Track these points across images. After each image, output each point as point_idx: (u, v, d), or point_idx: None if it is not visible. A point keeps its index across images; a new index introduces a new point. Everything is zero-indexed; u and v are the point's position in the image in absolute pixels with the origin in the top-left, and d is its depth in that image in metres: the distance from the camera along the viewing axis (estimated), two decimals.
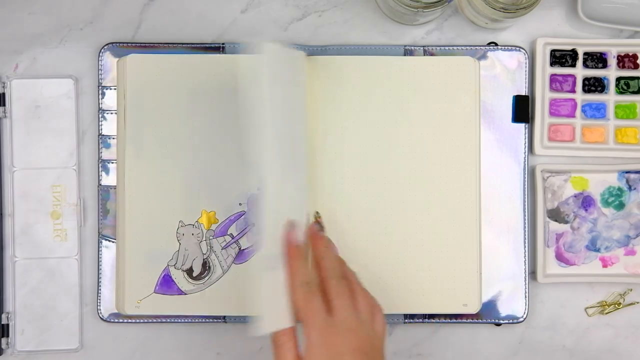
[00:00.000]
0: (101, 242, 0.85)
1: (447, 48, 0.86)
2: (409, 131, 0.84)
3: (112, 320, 0.85)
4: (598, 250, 0.86)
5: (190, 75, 0.84)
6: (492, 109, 0.86)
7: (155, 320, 0.85)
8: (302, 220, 0.77)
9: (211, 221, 0.84)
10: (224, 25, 0.87)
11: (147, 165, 0.83)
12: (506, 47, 0.86)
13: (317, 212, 0.81)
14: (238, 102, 0.80)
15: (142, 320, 0.85)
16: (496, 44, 0.86)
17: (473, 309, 0.84)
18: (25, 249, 0.85)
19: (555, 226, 0.86)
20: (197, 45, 0.85)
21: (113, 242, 0.85)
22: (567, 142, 0.86)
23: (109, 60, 0.85)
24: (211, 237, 0.84)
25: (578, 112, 0.86)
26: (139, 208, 0.83)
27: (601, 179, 0.87)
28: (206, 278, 0.84)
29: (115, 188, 0.85)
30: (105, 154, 0.85)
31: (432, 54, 0.86)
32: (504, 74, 0.86)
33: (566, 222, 0.87)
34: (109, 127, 0.85)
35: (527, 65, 0.86)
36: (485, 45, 0.86)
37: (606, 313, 0.87)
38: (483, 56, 0.86)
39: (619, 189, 0.87)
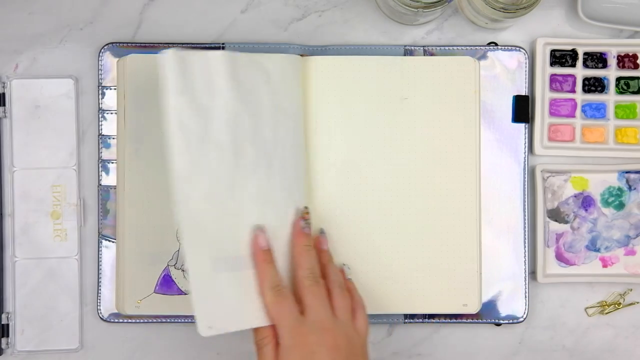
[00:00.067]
0: (101, 242, 0.85)
1: (447, 48, 0.86)
2: (409, 131, 0.84)
3: (112, 320, 0.85)
4: (598, 250, 0.86)
5: None
6: (492, 109, 0.86)
7: (155, 320, 0.85)
8: (285, 218, 0.78)
9: None
10: (224, 25, 0.87)
11: (147, 165, 0.83)
12: (506, 47, 0.86)
13: (306, 208, 0.80)
14: (249, 101, 0.80)
15: (142, 320, 0.85)
16: (496, 44, 0.86)
17: (473, 309, 0.84)
18: (25, 249, 0.85)
19: (555, 226, 0.86)
20: (197, 45, 0.85)
21: (113, 242, 0.85)
22: (567, 142, 0.86)
23: (109, 60, 0.85)
24: None
25: (578, 112, 0.86)
26: (139, 208, 0.83)
27: (601, 179, 0.87)
28: None
29: (115, 188, 0.85)
30: (105, 154, 0.85)
31: (432, 54, 0.86)
32: (504, 74, 0.86)
33: (566, 222, 0.87)
34: (109, 127, 0.85)
35: (527, 65, 0.86)
36: (485, 45, 0.86)
37: (606, 313, 0.87)
38: (483, 56, 0.86)
39: (619, 189, 0.87)
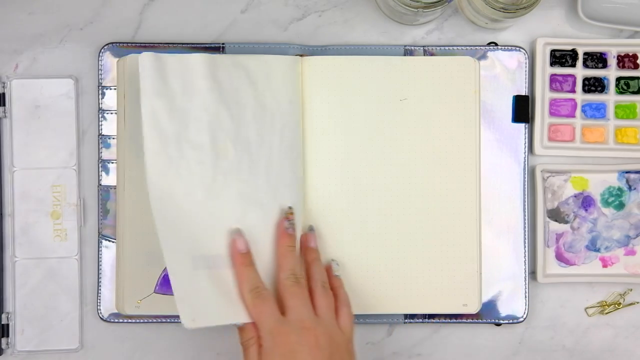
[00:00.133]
0: (101, 242, 0.85)
1: (447, 48, 0.86)
2: (409, 131, 0.84)
3: (112, 320, 0.85)
4: (598, 250, 0.86)
5: None
6: (492, 109, 0.86)
7: (155, 320, 0.85)
8: (269, 218, 0.79)
9: None
10: (224, 25, 0.87)
11: None
12: (506, 47, 0.86)
13: (290, 208, 0.80)
14: (231, 102, 0.81)
15: (142, 320, 0.85)
16: (496, 44, 0.86)
17: (473, 309, 0.84)
18: (25, 249, 0.85)
19: (555, 226, 0.86)
20: (197, 45, 0.85)
21: (113, 242, 0.85)
22: (567, 142, 0.86)
23: (109, 60, 0.85)
24: None
25: (578, 112, 0.86)
26: (139, 208, 0.83)
27: (601, 179, 0.87)
28: None
29: (115, 188, 0.85)
30: (105, 154, 0.85)
31: (432, 54, 0.86)
32: (504, 74, 0.86)
33: (566, 222, 0.87)
34: (109, 127, 0.85)
35: (527, 65, 0.86)
36: (485, 45, 0.86)
37: (606, 313, 0.87)
38: (483, 56, 0.86)
39: (619, 189, 0.87)
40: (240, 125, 0.80)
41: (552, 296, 0.87)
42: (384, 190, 0.84)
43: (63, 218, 0.85)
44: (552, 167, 0.86)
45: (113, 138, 0.85)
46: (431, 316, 0.85)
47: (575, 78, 0.86)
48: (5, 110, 0.85)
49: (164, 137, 0.77)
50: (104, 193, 0.85)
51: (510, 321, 0.85)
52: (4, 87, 0.85)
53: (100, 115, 0.86)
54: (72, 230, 0.86)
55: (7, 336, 0.85)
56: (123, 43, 0.86)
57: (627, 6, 0.86)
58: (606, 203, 0.87)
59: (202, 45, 0.85)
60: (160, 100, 0.77)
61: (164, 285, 0.83)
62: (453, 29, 0.87)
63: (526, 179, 0.86)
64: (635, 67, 0.87)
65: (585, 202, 0.87)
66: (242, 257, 0.76)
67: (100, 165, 0.85)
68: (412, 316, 0.85)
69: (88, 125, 0.86)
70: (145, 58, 0.77)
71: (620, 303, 0.87)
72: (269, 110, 0.81)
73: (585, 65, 0.87)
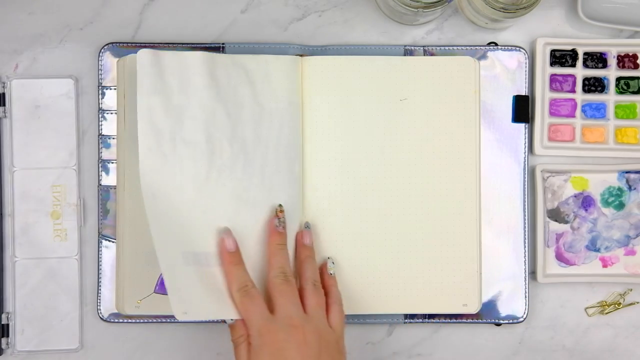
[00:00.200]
0: (101, 242, 0.85)
1: (447, 48, 0.86)
2: (409, 131, 0.84)
3: (112, 320, 0.85)
4: (598, 250, 0.86)
5: None
6: (492, 109, 0.86)
7: (155, 320, 0.85)
8: (261, 217, 0.80)
9: None
10: (224, 25, 0.87)
11: None
12: (506, 47, 0.86)
13: (280, 206, 0.81)
14: (228, 101, 0.81)
15: (142, 320, 0.85)
16: (496, 44, 0.86)
17: (473, 309, 0.84)
18: (25, 249, 0.85)
19: (555, 226, 0.86)
20: (197, 45, 0.85)
21: (113, 242, 0.85)
22: (567, 142, 0.86)
23: (109, 60, 0.85)
24: None
25: (578, 112, 0.86)
26: (139, 208, 0.83)
27: (601, 179, 0.87)
28: None
29: (115, 188, 0.85)
30: (105, 154, 0.85)
31: (432, 54, 0.86)
32: (504, 74, 0.86)
33: (566, 222, 0.87)
34: (109, 127, 0.85)
35: (527, 65, 0.86)
36: (485, 45, 0.86)
37: (606, 313, 0.87)
38: (483, 56, 0.86)
39: (619, 189, 0.87)
40: (236, 124, 0.80)
41: (552, 296, 0.87)
42: (384, 190, 0.84)
43: (63, 218, 0.85)
44: (552, 167, 0.86)
45: (113, 138, 0.85)
46: (431, 316, 0.85)
47: (575, 78, 0.86)
48: (5, 110, 0.85)
49: (159, 134, 0.77)
50: (104, 193, 0.85)
51: (510, 321, 0.85)
52: (4, 87, 0.85)
53: (100, 115, 0.86)
54: (72, 230, 0.86)
55: (7, 336, 0.85)
56: (123, 43, 0.86)
57: (627, 6, 0.86)
58: (606, 203, 0.87)
59: (202, 45, 0.85)
60: (156, 97, 0.77)
61: (164, 285, 0.83)
62: (453, 29, 0.87)
63: (526, 179, 0.86)
64: (635, 67, 0.87)
65: (585, 202, 0.87)
66: (230, 256, 0.77)
67: (100, 165, 0.85)
68: (412, 316, 0.85)
69: (88, 125, 0.86)
70: (143, 55, 0.78)
71: (620, 303, 0.87)
72: (267, 109, 0.82)
73: (585, 65, 0.87)
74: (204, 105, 0.79)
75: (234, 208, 0.79)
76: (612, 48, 0.86)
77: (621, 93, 0.87)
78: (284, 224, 0.80)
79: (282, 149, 0.82)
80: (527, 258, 0.85)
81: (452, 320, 0.85)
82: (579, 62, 0.86)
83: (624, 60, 0.87)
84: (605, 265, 0.86)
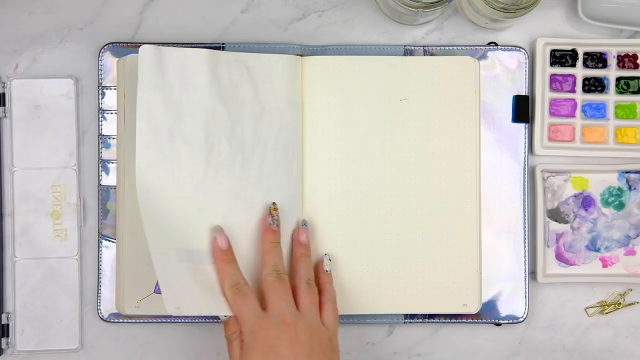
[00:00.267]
0: (101, 242, 0.85)
1: (447, 48, 0.86)
2: (409, 131, 0.84)
3: (112, 320, 0.85)
4: (598, 250, 0.86)
5: None
6: (492, 109, 0.86)
7: (155, 320, 0.85)
8: (256, 215, 0.80)
9: None
10: (224, 25, 0.87)
11: None
12: (506, 47, 0.86)
13: (274, 204, 0.81)
14: (229, 99, 0.81)
15: (142, 320, 0.85)
16: (496, 44, 0.86)
17: (473, 309, 0.84)
18: (25, 249, 0.85)
19: (555, 226, 0.86)
20: (197, 45, 0.85)
21: (113, 242, 0.85)
22: (567, 142, 0.86)
23: (109, 60, 0.85)
24: None
25: (578, 112, 0.86)
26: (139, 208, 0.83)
27: (601, 179, 0.87)
28: None
29: (115, 188, 0.85)
30: (105, 154, 0.85)
31: (432, 54, 0.86)
32: (504, 74, 0.86)
33: (566, 222, 0.87)
34: (109, 127, 0.85)
35: (527, 65, 0.86)
36: (485, 45, 0.86)
37: (606, 313, 0.87)
38: (483, 56, 0.86)
39: (619, 189, 0.87)
40: (236, 122, 0.80)
41: (552, 296, 0.87)
42: (384, 190, 0.84)
43: (63, 218, 0.85)
44: (552, 167, 0.86)
45: (113, 138, 0.85)
46: (431, 316, 0.85)
47: (575, 78, 0.86)
48: (5, 110, 0.85)
49: (157, 130, 0.77)
50: (104, 193, 0.85)
51: (510, 321, 0.85)
52: (4, 87, 0.85)
53: (100, 115, 0.86)
54: (72, 230, 0.86)
55: (7, 336, 0.85)
56: (123, 43, 0.86)
57: (627, 6, 0.86)
58: (606, 203, 0.87)
59: (202, 45, 0.85)
60: (156, 93, 0.77)
61: None
62: (453, 29, 0.87)
63: (526, 179, 0.86)
64: (635, 67, 0.87)
65: (585, 202, 0.87)
66: (222, 254, 0.77)
67: (100, 165, 0.85)
68: (412, 316, 0.85)
69: (88, 125, 0.86)
70: (146, 50, 0.77)
71: (620, 303, 0.87)
72: (267, 108, 0.82)
73: (585, 65, 0.87)
74: (204, 103, 0.79)
75: (230, 207, 0.79)
76: (612, 48, 0.86)
77: (621, 93, 0.87)
78: (278, 221, 0.80)
79: (281, 148, 0.82)
80: (527, 258, 0.85)
81: (452, 320, 0.85)
82: (579, 62, 0.86)
83: (624, 60, 0.87)
84: (605, 265, 0.86)
